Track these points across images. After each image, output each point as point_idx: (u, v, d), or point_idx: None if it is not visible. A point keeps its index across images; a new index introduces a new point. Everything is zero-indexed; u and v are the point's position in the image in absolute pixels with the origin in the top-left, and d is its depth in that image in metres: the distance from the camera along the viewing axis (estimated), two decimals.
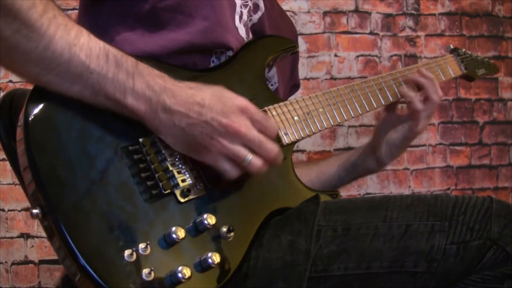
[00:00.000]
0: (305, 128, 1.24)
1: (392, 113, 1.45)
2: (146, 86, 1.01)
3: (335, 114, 1.30)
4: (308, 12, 2.84)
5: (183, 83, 1.05)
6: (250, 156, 1.04)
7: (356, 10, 2.92)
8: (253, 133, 1.04)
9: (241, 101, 1.06)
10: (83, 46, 0.98)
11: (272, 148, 1.06)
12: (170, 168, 1.05)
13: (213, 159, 1.04)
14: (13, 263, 2.45)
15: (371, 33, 2.94)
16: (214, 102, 1.03)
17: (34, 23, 0.95)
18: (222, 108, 1.03)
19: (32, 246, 2.45)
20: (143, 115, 1.02)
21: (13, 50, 0.96)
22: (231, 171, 1.05)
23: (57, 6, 0.99)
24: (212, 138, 1.03)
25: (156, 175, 1.03)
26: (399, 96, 1.41)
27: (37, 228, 2.45)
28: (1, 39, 0.94)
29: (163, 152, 1.06)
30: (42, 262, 2.46)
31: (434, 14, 3.04)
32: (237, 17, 1.27)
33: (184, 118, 1.02)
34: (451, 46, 1.66)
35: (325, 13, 2.87)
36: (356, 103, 1.34)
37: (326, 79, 2.84)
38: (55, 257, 0.98)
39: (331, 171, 1.49)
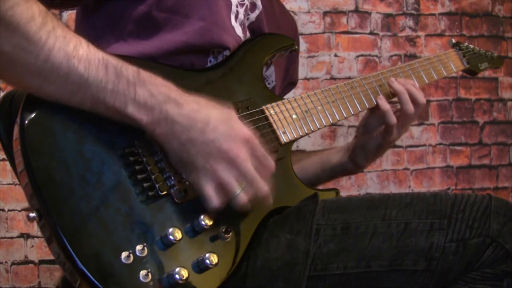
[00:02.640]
0: (304, 126, 1.24)
1: (372, 117, 1.43)
2: (149, 95, 1.00)
3: (334, 112, 1.29)
4: (308, 12, 2.84)
5: (190, 96, 1.04)
6: (239, 190, 1.01)
7: (356, 10, 2.92)
8: (248, 167, 1.02)
9: (247, 133, 1.04)
10: (82, 58, 0.97)
11: (262, 188, 1.04)
12: (167, 170, 1.04)
13: (201, 183, 1.02)
14: (13, 263, 2.45)
15: (371, 33, 2.94)
16: (219, 125, 1.02)
17: (33, 36, 0.94)
18: (225, 133, 1.02)
19: (32, 246, 2.46)
20: (144, 124, 1.01)
21: (12, 64, 0.95)
22: (214, 200, 1.01)
23: (56, 18, 0.99)
24: (207, 161, 1.01)
25: (152, 176, 1.03)
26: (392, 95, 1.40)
27: (37, 228, 2.45)
28: (0, 53, 0.94)
29: (159, 153, 1.05)
30: (42, 262, 2.46)
31: (434, 14, 3.04)
32: (233, 16, 1.26)
33: (186, 132, 1.01)
34: (453, 41, 1.63)
35: (325, 13, 2.87)
36: (355, 100, 1.33)
37: (326, 79, 2.84)
38: None
39: (311, 169, 1.48)
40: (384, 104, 1.36)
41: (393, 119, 1.36)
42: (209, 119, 1.02)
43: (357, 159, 1.44)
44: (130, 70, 1.01)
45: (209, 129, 1.01)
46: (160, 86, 1.02)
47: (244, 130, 1.04)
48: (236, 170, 1.01)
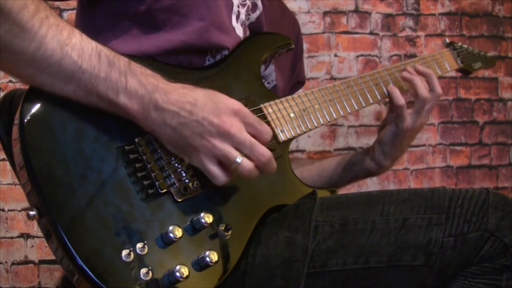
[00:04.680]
0: (301, 125, 1.24)
1: (389, 113, 1.44)
2: (139, 85, 1.01)
3: (331, 110, 1.30)
4: (308, 12, 2.84)
5: (176, 83, 1.05)
6: (240, 158, 1.03)
7: (356, 10, 2.91)
8: (244, 135, 1.03)
9: (234, 103, 1.05)
10: (75, 46, 0.98)
11: (264, 152, 1.04)
12: (166, 167, 1.05)
13: (202, 161, 1.03)
14: (13, 263, 2.45)
15: (371, 33, 2.94)
16: (206, 102, 1.03)
17: (25, 23, 0.95)
18: (214, 108, 1.03)
19: (32, 246, 2.46)
20: (136, 114, 1.02)
21: (5, 51, 0.96)
22: (219, 176, 1.04)
23: (49, 7, 1.00)
24: (202, 138, 1.02)
25: (152, 174, 1.03)
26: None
27: (37, 228, 2.45)
28: None
29: (159, 151, 1.06)
30: (42, 262, 2.46)
31: (434, 14, 3.04)
32: (234, 17, 1.27)
33: (176, 117, 1.02)
34: (447, 40, 1.65)
35: (325, 13, 2.87)
36: (352, 99, 1.34)
37: (326, 79, 2.84)
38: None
39: (332, 168, 1.48)
40: (391, 87, 1.37)
41: (400, 99, 1.36)
42: (196, 100, 1.03)
43: (375, 156, 1.44)
44: (121, 60, 1.02)
45: (198, 109, 1.02)
46: (149, 76, 1.03)
47: (231, 102, 1.05)
48: (232, 141, 1.03)
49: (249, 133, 1.05)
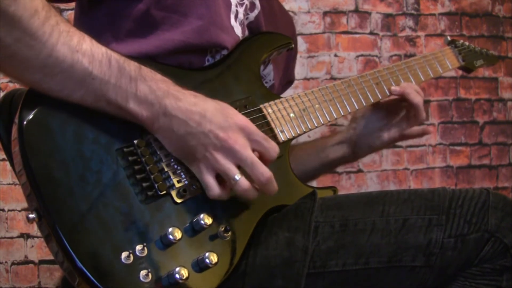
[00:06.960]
0: (301, 124, 1.24)
1: (375, 113, 1.47)
2: (149, 91, 1.01)
3: (332, 110, 1.29)
4: (308, 12, 2.84)
5: (187, 90, 1.05)
6: (239, 176, 1.03)
7: (356, 10, 2.92)
8: (247, 153, 1.04)
9: (242, 120, 1.06)
10: (86, 52, 0.98)
11: (264, 172, 1.04)
12: (166, 169, 1.05)
13: (201, 172, 1.04)
14: (13, 263, 2.45)
15: (371, 33, 2.94)
16: (215, 115, 1.04)
17: (36, 31, 0.94)
18: (222, 122, 1.03)
19: (32, 246, 2.46)
20: (144, 119, 1.02)
21: (14, 58, 0.95)
22: (214, 188, 1.04)
23: (59, 13, 0.99)
24: (206, 150, 1.03)
25: (152, 176, 1.03)
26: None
27: (37, 228, 2.44)
28: (2, 47, 0.94)
29: (158, 153, 1.05)
30: (42, 262, 2.46)
31: (434, 14, 3.04)
32: (232, 16, 1.27)
33: (183, 125, 1.02)
34: (449, 38, 1.64)
35: (325, 13, 2.87)
36: (352, 98, 1.34)
37: (326, 79, 2.84)
38: None
39: (309, 164, 1.50)
40: (415, 97, 1.40)
41: (415, 96, 1.39)
42: (205, 111, 1.03)
43: (360, 153, 1.49)
44: (132, 65, 1.02)
45: (206, 121, 1.03)
46: (159, 82, 1.03)
47: (239, 118, 1.06)
48: (234, 157, 1.03)
49: (255, 149, 1.06)
